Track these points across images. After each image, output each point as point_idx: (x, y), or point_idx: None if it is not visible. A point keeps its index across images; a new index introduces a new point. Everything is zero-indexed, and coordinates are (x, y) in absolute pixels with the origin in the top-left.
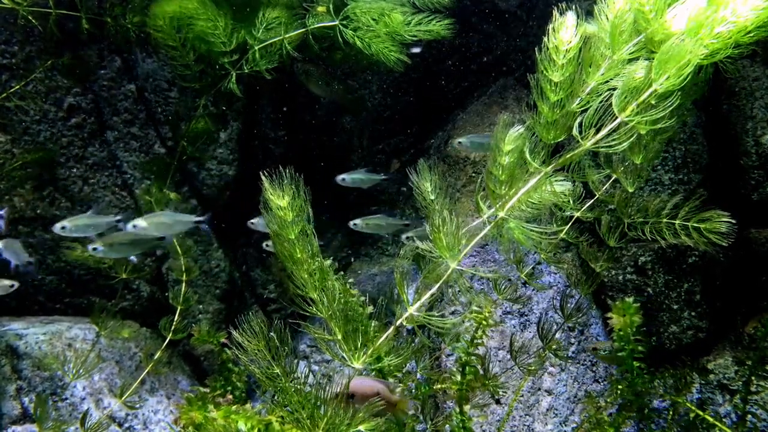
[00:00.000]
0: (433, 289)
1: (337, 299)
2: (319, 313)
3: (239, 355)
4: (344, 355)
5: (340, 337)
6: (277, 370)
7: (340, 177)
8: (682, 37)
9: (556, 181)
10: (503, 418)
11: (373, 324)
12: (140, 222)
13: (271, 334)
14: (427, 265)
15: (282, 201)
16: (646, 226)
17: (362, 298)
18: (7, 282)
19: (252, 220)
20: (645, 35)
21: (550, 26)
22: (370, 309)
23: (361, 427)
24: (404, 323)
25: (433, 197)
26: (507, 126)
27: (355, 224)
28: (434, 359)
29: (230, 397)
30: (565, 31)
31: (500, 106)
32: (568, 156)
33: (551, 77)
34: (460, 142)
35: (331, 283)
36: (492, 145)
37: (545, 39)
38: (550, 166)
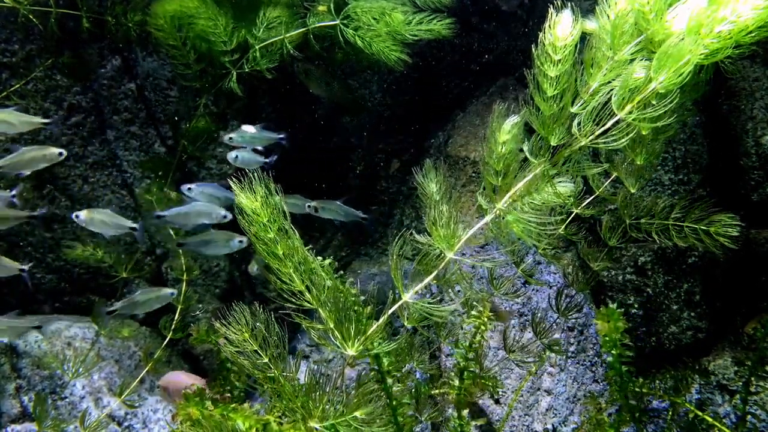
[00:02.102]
0: (429, 279)
1: (325, 287)
2: (306, 303)
3: (221, 346)
4: (338, 343)
5: (332, 325)
6: (266, 360)
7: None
8: (682, 36)
9: (558, 182)
10: (502, 418)
11: (369, 319)
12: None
13: (258, 324)
14: (424, 258)
15: (255, 203)
16: (652, 227)
17: (356, 292)
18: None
19: (77, 213)
20: (646, 36)
21: (547, 23)
22: (369, 309)
23: (357, 413)
24: (405, 324)
25: (438, 198)
26: (502, 116)
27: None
28: (431, 354)
29: (228, 396)
30: (561, 28)
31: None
32: (567, 151)
33: (548, 72)
34: (231, 138)
35: (320, 275)
36: (488, 135)
37: (541, 35)
38: (548, 161)
